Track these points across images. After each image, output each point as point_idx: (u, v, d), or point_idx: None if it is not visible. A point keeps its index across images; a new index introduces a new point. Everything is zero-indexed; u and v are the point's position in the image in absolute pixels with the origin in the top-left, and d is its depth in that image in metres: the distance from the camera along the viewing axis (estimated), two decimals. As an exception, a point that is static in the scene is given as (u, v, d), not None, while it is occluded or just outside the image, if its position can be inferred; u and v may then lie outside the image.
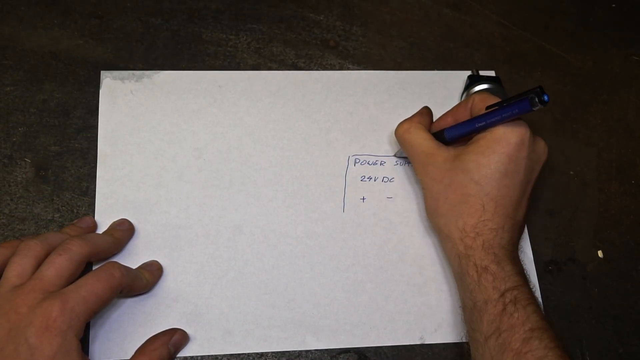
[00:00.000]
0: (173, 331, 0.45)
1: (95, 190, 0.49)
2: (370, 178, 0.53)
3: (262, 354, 0.46)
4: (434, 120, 0.51)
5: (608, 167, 0.56)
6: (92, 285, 0.39)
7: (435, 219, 0.46)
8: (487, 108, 0.44)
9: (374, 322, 0.48)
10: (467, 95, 0.54)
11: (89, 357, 0.44)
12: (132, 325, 0.45)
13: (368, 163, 0.53)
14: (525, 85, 0.58)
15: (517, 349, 0.38)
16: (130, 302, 0.46)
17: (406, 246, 0.51)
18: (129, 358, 0.42)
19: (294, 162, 0.52)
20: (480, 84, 0.53)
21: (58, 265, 0.40)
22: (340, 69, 0.57)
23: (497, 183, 0.43)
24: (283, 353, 0.46)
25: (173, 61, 0.55)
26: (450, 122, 0.49)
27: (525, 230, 0.52)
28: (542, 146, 0.45)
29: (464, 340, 0.48)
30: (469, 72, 0.56)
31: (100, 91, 0.53)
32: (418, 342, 0.48)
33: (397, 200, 0.52)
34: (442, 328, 0.48)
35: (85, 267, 0.42)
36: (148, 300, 0.46)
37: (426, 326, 0.48)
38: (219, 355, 0.46)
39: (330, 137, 0.54)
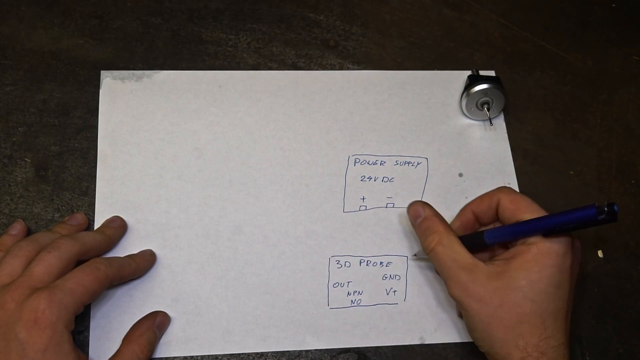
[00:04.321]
0: (155, 314, 0.45)
1: (95, 190, 0.49)
2: (370, 178, 0.53)
3: (262, 354, 0.46)
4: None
5: (608, 167, 0.56)
6: (78, 278, 0.40)
7: (488, 343, 0.41)
8: (545, 234, 0.40)
9: (374, 322, 0.48)
10: (467, 95, 0.54)
11: (89, 357, 0.44)
12: (131, 325, 0.45)
13: (368, 163, 0.53)
14: (525, 85, 0.58)
15: None
16: (130, 302, 0.46)
17: (406, 246, 0.51)
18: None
19: (294, 162, 0.52)
20: (480, 83, 0.53)
21: (47, 263, 0.40)
22: (340, 68, 0.57)
23: (553, 297, 0.40)
24: (283, 353, 0.46)
25: (173, 61, 0.55)
26: (471, 219, 0.46)
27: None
28: (578, 246, 0.43)
29: (464, 341, 0.48)
30: (469, 72, 0.56)
31: (100, 91, 0.53)
32: (418, 342, 0.48)
33: (397, 200, 0.52)
34: (442, 328, 0.48)
35: (75, 266, 0.42)
36: (148, 300, 0.46)
37: (426, 326, 0.48)
38: (219, 355, 0.46)
39: (330, 137, 0.54)
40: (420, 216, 0.46)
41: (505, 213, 0.43)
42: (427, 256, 0.45)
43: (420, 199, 0.47)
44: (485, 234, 0.43)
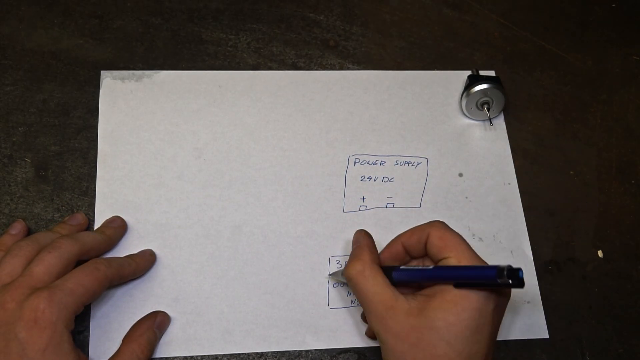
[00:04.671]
0: (155, 314, 0.45)
1: (95, 190, 0.49)
2: (370, 178, 0.53)
3: (262, 354, 0.46)
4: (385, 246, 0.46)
5: (608, 167, 0.56)
6: (78, 278, 0.40)
7: None
8: (456, 285, 0.38)
9: (374, 322, 0.48)
10: (467, 95, 0.54)
11: (89, 357, 0.44)
12: (131, 325, 0.45)
13: (368, 163, 0.53)
14: (525, 85, 0.58)
15: None
16: (130, 302, 0.46)
17: (406, 246, 0.51)
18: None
19: (294, 162, 0.52)
20: (480, 83, 0.53)
21: (47, 262, 0.40)
22: (340, 68, 0.57)
23: (469, 340, 0.38)
24: (283, 353, 0.46)
25: (173, 61, 0.55)
26: (400, 251, 0.44)
27: (525, 230, 0.52)
28: (507, 289, 0.41)
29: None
30: (469, 72, 0.56)
31: (100, 91, 0.53)
32: (418, 342, 0.48)
33: (397, 200, 0.52)
34: (442, 328, 0.48)
35: (75, 266, 0.42)
36: (148, 300, 0.46)
37: (426, 326, 0.48)
38: (219, 355, 0.46)
39: (330, 137, 0.54)
40: (357, 243, 0.45)
41: (432, 249, 0.41)
42: (346, 282, 0.43)
43: (363, 229, 0.46)
44: (394, 273, 0.42)
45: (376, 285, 0.41)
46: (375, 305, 0.41)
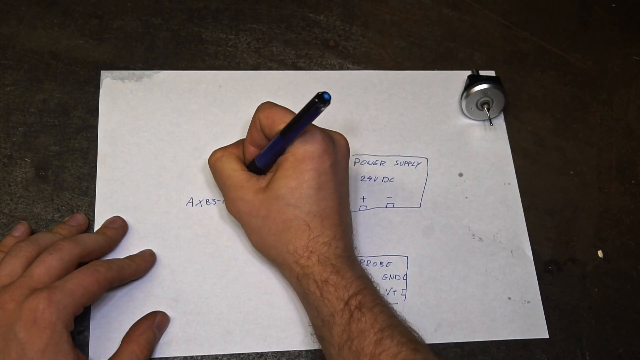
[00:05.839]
0: (154, 314, 0.45)
1: (95, 190, 0.49)
2: (370, 178, 0.53)
3: (262, 354, 0.46)
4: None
5: (608, 167, 0.56)
6: (77, 279, 0.40)
7: (265, 252, 0.45)
8: (282, 133, 0.41)
9: (374, 322, 0.48)
10: (467, 95, 0.54)
11: (89, 357, 0.44)
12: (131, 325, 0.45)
13: (368, 163, 0.53)
14: (525, 84, 0.58)
15: (370, 353, 0.38)
16: (130, 302, 0.46)
17: (406, 246, 0.51)
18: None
19: (294, 162, 0.52)
20: (480, 83, 0.53)
21: (48, 264, 0.40)
22: (340, 69, 0.57)
23: (314, 199, 0.42)
24: (283, 353, 0.46)
25: (173, 61, 0.55)
26: (252, 150, 0.46)
27: (525, 230, 0.52)
28: (342, 143, 0.44)
29: (464, 341, 0.48)
30: (469, 72, 0.56)
31: (100, 91, 0.53)
32: (418, 342, 0.48)
33: (397, 200, 0.52)
34: (442, 328, 0.48)
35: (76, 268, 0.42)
36: (148, 300, 0.46)
37: (426, 326, 0.48)
38: (219, 355, 0.46)
39: (330, 137, 0.54)
40: None
41: (265, 130, 0.44)
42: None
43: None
44: (256, 161, 0.45)
45: (230, 170, 0.44)
46: (229, 187, 0.44)
